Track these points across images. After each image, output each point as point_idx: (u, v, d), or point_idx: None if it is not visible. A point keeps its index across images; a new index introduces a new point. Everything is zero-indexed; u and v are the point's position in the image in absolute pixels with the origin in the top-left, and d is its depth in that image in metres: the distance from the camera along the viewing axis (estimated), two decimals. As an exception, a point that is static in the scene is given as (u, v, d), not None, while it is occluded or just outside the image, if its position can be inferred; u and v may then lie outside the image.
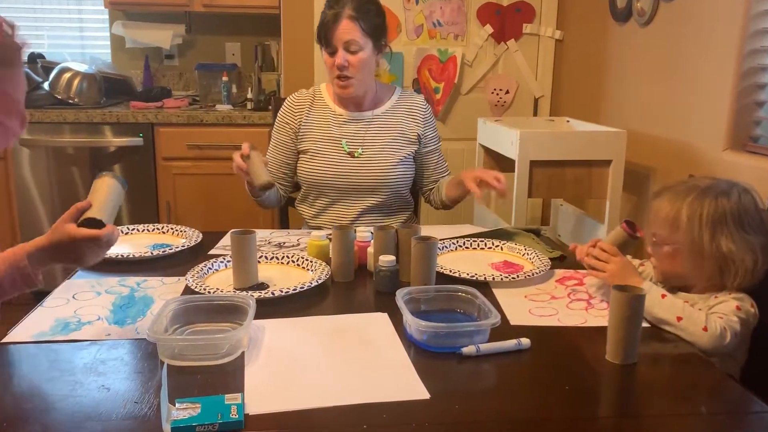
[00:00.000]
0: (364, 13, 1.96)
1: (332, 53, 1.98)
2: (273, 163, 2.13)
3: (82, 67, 3.35)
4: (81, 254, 1.16)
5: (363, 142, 2.08)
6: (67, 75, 3.27)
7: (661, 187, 1.52)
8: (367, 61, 1.99)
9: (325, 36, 1.97)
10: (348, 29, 1.94)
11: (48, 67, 3.35)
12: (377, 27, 2.00)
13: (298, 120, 2.12)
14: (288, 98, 2.17)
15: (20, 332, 1.28)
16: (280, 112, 2.16)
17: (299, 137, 2.12)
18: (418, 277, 1.49)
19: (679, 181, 1.52)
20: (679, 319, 1.31)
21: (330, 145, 2.09)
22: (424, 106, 2.16)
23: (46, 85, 3.25)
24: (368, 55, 1.99)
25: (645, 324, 1.30)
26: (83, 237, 1.13)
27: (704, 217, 1.39)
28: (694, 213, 1.40)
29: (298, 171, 2.14)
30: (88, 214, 1.16)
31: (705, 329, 1.29)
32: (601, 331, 1.26)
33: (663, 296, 1.36)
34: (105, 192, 1.22)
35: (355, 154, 2.06)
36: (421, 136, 2.13)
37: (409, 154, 2.12)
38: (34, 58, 3.42)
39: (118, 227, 1.85)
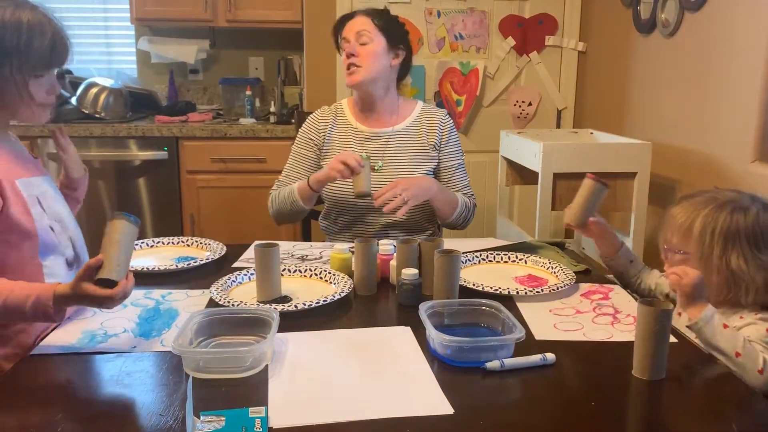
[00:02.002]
0: (379, 13, 2.05)
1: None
2: (293, 178, 2.14)
3: (109, 82, 3.41)
4: (101, 305, 1.28)
5: (383, 158, 2.09)
6: (94, 90, 3.33)
7: (682, 196, 1.51)
8: (377, 55, 2.01)
9: (340, 31, 2.05)
10: (360, 21, 2.03)
11: (75, 83, 3.41)
12: (393, 27, 2.05)
13: (322, 136, 2.13)
14: (311, 115, 2.18)
15: (48, 344, 1.30)
16: (302, 128, 2.17)
17: (322, 154, 2.13)
18: (441, 291, 1.48)
19: (701, 191, 1.51)
20: (738, 354, 1.26)
21: None
22: (445, 119, 2.15)
23: (73, 100, 3.32)
24: (380, 50, 2.02)
25: (673, 339, 1.28)
26: (99, 296, 1.23)
27: (717, 232, 1.39)
28: (707, 225, 1.40)
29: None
30: (101, 274, 1.23)
31: (761, 372, 1.25)
32: (627, 346, 1.24)
33: (725, 326, 1.30)
34: (116, 241, 1.25)
35: (376, 168, 2.06)
36: (437, 146, 2.12)
37: (430, 169, 2.11)
38: (62, 73, 3.48)
39: (143, 240, 1.89)
